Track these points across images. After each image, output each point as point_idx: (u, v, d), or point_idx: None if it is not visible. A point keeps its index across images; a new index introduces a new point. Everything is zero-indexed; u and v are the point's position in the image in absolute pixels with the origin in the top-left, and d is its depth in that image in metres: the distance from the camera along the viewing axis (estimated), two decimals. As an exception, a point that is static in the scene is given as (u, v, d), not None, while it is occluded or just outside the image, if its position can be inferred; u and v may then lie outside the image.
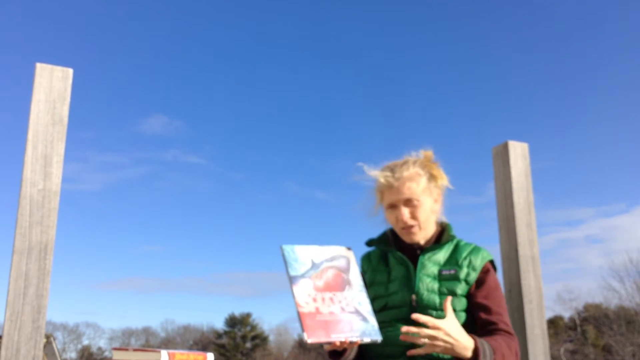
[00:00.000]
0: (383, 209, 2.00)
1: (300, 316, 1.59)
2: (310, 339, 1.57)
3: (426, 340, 1.65)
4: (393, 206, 1.94)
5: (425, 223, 1.94)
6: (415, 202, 1.91)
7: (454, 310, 1.84)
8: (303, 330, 1.58)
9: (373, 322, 1.72)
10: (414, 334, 1.66)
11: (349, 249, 1.83)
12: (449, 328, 1.67)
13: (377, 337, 1.70)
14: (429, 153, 2.02)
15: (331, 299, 1.68)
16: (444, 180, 2.00)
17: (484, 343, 1.72)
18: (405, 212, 1.91)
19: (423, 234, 1.95)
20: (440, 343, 1.66)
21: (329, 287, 1.70)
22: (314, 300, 1.64)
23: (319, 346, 1.71)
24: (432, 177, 1.96)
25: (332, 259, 1.77)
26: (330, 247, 1.79)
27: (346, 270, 1.77)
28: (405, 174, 1.93)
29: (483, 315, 1.85)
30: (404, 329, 1.67)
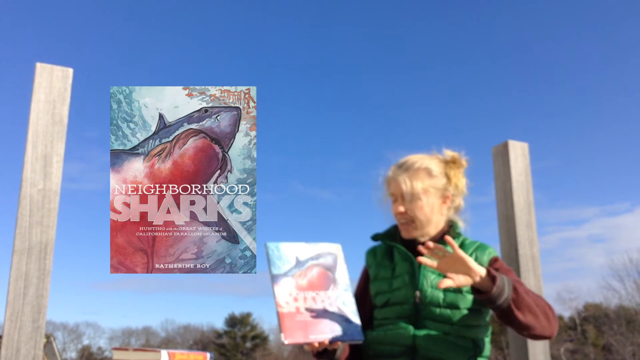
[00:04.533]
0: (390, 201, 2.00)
1: (279, 316, 1.56)
2: (287, 339, 1.55)
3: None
4: (394, 198, 1.95)
5: (422, 221, 1.92)
6: (409, 198, 1.91)
7: (458, 308, 1.83)
8: (281, 331, 1.55)
9: (356, 322, 1.69)
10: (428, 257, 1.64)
11: (338, 246, 1.80)
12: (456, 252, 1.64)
13: (359, 338, 1.68)
14: (455, 154, 2.00)
15: (314, 299, 1.64)
16: (459, 183, 1.98)
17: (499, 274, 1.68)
18: (400, 206, 1.92)
19: (419, 232, 1.94)
20: (455, 268, 1.62)
21: (313, 286, 1.67)
22: (295, 299, 1.61)
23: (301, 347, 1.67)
24: (444, 178, 1.95)
25: (318, 256, 1.73)
26: (318, 245, 1.75)
27: (332, 268, 1.74)
28: (411, 169, 1.93)
29: None
30: (421, 256, 1.64)
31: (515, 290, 1.67)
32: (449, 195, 1.97)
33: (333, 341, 1.62)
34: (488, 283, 1.65)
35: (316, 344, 1.60)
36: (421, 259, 1.66)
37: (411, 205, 1.91)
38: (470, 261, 1.63)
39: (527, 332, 1.73)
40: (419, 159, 1.96)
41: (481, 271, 1.64)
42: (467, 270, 1.63)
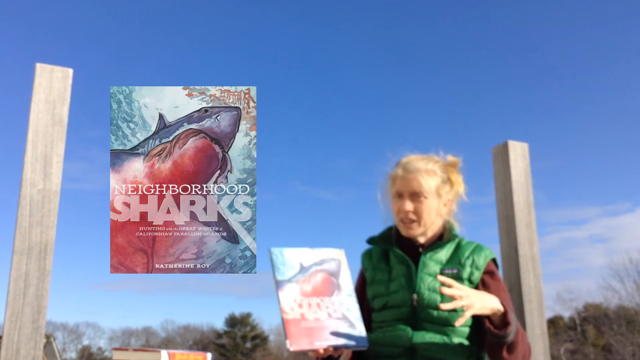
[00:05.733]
0: (391, 199, 1.99)
1: (284, 323, 1.55)
2: (292, 346, 1.53)
3: (462, 302, 1.64)
4: (399, 195, 1.94)
5: (426, 222, 1.93)
6: (422, 198, 1.91)
7: (456, 311, 1.83)
8: (286, 338, 1.54)
9: (361, 328, 1.69)
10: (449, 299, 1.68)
11: (341, 251, 1.79)
12: (469, 289, 1.69)
13: (364, 344, 1.67)
14: (456, 159, 2.01)
15: (318, 305, 1.64)
16: (460, 187, 1.99)
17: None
18: (408, 204, 1.91)
19: (421, 231, 1.94)
20: (475, 301, 1.66)
21: (317, 292, 1.66)
22: (300, 305, 1.60)
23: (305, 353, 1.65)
24: (448, 181, 1.96)
25: (322, 262, 1.72)
26: (322, 250, 1.74)
27: (336, 274, 1.73)
28: (422, 168, 1.93)
29: None
30: (443, 306, 1.66)
31: (517, 335, 1.75)
32: (450, 198, 1.98)
33: (338, 348, 1.61)
34: (499, 321, 1.74)
35: (321, 351, 1.59)
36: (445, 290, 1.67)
37: (419, 204, 1.91)
38: (488, 308, 1.70)
39: None
40: (427, 160, 1.97)
41: (499, 309, 1.72)
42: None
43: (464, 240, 1.99)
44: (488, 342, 1.78)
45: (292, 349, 1.54)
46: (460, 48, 54.97)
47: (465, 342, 1.84)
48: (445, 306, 1.65)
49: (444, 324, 1.82)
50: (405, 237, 1.98)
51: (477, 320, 1.88)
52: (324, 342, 1.59)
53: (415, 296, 1.86)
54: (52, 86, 1.94)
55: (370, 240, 2.08)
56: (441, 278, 1.69)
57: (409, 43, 56.72)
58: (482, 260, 1.91)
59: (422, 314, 1.84)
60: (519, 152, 2.52)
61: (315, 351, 1.60)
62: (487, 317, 1.73)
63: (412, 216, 1.91)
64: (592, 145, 49.37)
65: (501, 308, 1.72)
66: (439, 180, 1.94)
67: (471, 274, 1.89)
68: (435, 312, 1.83)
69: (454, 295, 1.64)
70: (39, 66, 1.94)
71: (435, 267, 1.90)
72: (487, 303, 1.69)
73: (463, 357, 1.82)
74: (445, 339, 1.81)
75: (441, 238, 1.98)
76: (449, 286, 1.67)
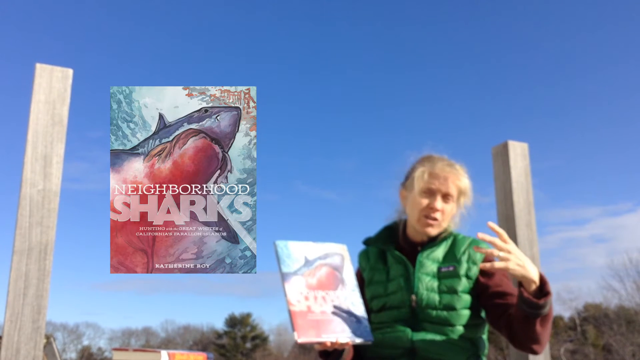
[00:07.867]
0: (409, 193, 1.98)
1: (291, 315, 1.56)
2: (300, 338, 1.54)
3: (500, 254, 1.61)
4: (430, 193, 1.92)
5: (446, 222, 1.95)
6: (451, 201, 1.93)
7: (455, 309, 1.83)
8: (293, 330, 1.55)
9: (365, 323, 1.70)
10: (488, 245, 1.66)
11: (344, 246, 1.80)
12: (516, 248, 1.65)
13: (369, 339, 1.67)
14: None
15: (323, 298, 1.64)
16: (469, 200, 1.99)
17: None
18: (439, 203, 1.91)
19: (438, 231, 1.95)
20: (514, 257, 1.62)
21: (322, 286, 1.67)
22: (306, 298, 1.61)
23: (311, 346, 1.66)
24: (465, 190, 1.98)
25: (326, 256, 1.73)
26: (325, 245, 1.75)
27: (340, 268, 1.74)
28: (460, 171, 1.95)
29: (508, 300, 1.82)
30: (480, 235, 1.63)
31: (551, 308, 1.69)
32: (456, 206, 1.99)
33: (345, 341, 1.61)
34: (535, 291, 1.66)
35: (328, 344, 1.60)
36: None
37: (447, 205, 1.93)
38: (525, 270, 1.64)
39: (531, 341, 1.74)
40: (458, 164, 1.98)
41: (534, 278, 1.65)
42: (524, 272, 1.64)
43: (460, 235, 1.98)
44: (520, 313, 1.69)
45: (300, 340, 1.55)
46: (461, 48, 55.01)
47: (465, 342, 1.84)
48: (485, 265, 1.63)
49: (444, 324, 1.83)
50: (405, 236, 1.98)
51: (477, 316, 1.88)
52: (330, 335, 1.59)
53: (414, 297, 1.86)
54: (52, 86, 1.94)
55: (367, 241, 2.08)
56: (491, 224, 1.65)
57: (409, 43, 56.76)
58: (478, 254, 1.91)
59: (422, 315, 1.84)
60: (519, 152, 2.53)
61: (321, 344, 1.60)
62: (520, 285, 1.67)
63: (440, 216, 1.92)
64: (593, 145, 49.38)
65: (537, 279, 1.65)
66: (468, 187, 1.96)
67: (468, 269, 1.88)
68: (434, 312, 1.83)
69: (498, 246, 1.61)
70: (39, 66, 1.94)
71: (432, 267, 1.90)
72: (527, 266, 1.64)
73: (463, 357, 1.82)
74: (445, 339, 1.81)
75: (437, 236, 1.98)
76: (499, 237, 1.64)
